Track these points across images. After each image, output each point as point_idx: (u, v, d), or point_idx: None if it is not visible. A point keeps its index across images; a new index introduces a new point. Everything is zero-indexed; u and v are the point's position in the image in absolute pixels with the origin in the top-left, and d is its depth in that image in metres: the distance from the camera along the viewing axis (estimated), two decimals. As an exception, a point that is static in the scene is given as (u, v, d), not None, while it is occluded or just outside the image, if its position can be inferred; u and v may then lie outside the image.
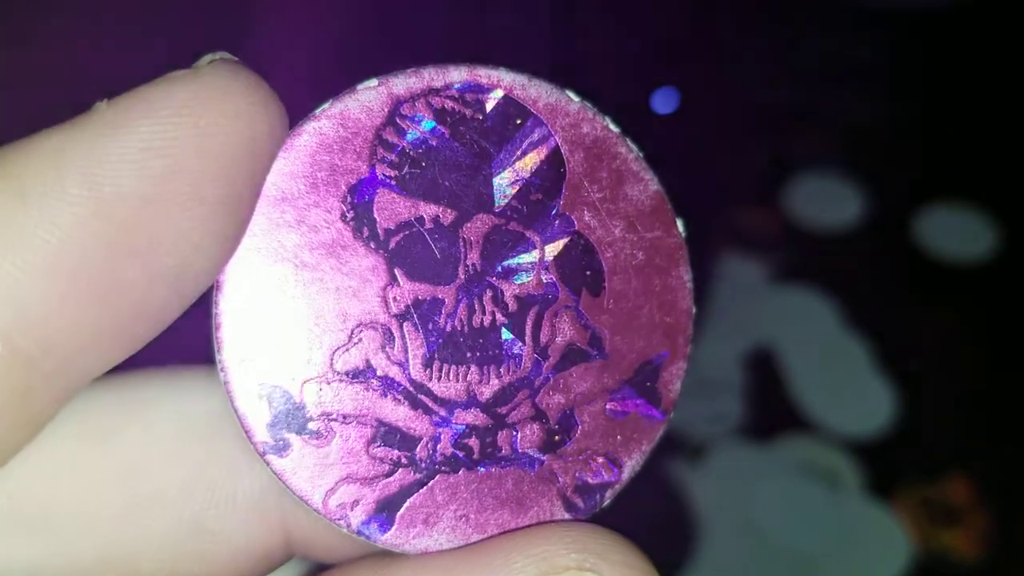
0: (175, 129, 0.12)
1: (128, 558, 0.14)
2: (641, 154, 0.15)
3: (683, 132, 0.64)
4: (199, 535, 0.14)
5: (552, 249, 0.15)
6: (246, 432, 0.14)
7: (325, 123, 0.14)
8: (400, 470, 0.14)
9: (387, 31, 0.57)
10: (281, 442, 0.14)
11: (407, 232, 0.14)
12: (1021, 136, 0.65)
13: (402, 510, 0.14)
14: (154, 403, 0.14)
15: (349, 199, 0.14)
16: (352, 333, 0.14)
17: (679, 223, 0.15)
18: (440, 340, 0.15)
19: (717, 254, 0.59)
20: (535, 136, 0.15)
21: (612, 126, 0.15)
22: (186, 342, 0.15)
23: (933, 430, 0.52)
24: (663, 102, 0.65)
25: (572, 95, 0.15)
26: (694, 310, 0.16)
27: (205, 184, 0.12)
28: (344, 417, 0.14)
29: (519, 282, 0.15)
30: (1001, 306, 0.57)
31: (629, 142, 0.15)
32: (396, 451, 0.14)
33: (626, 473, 0.15)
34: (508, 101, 0.15)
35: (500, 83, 0.15)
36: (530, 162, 0.15)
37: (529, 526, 0.15)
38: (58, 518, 0.14)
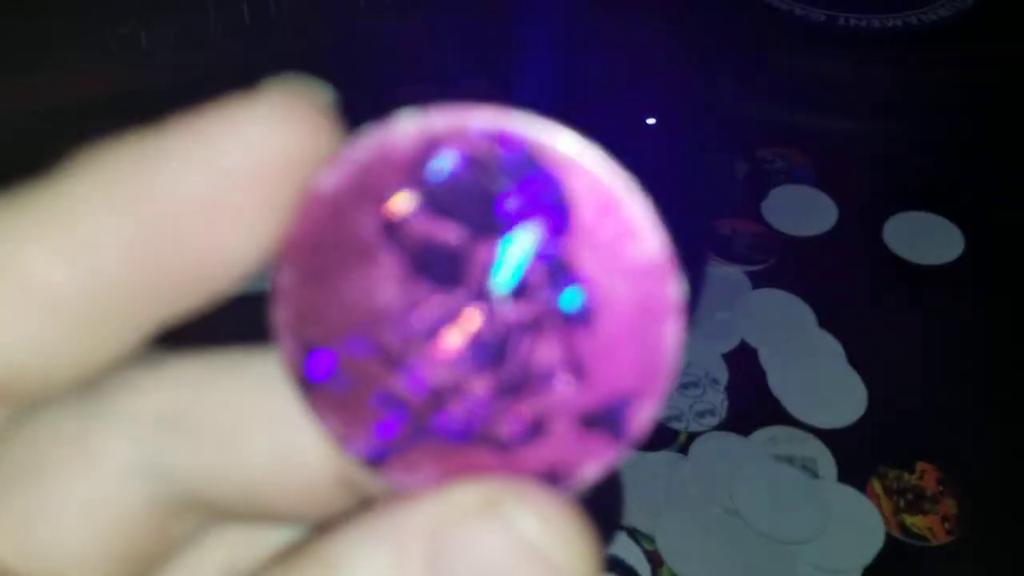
0: (226, 141, 0.15)
1: (234, 461, 0.18)
2: (651, 208, 0.16)
3: (664, 144, 0.66)
4: (281, 449, 0.18)
5: (551, 279, 0.16)
6: (288, 373, 0.17)
7: (372, 143, 0.16)
8: (398, 429, 0.17)
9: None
10: (311, 383, 0.17)
11: (429, 245, 0.16)
12: (981, 147, 0.67)
13: (392, 455, 0.17)
14: (251, 359, 0.18)
15: (385, 211, 0.16)
16: (374, 319, 0.17)
17: (678, 285, 0.16)
18: (437, 339, 0.17)
19: (703, 261, 0.60)
20: (549, 181, 0.16)
21: (628, 183, 0.16)
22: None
23: (904, 422, 0.53)
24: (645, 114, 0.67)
25: (593, 147, 0.16)
26: (675, 361, 0.16)
27: (249, 191, 0.15)
28: (359, 377, 0.17)
29: (514, 305, 0.17)
30: (965, 305, 0.59)
31: (641, 195, 0.16)
32: (396, 413, 0.17)
33: (581, 484, 0.17)
34: (530, 146, 0.16)
35: (525, 129, 0.16)
36: (541, 204, 0.16)
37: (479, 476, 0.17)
38: (192, 426, 0.17)
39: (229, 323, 0.19)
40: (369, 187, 0.16)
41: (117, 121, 0.15)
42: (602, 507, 0.48)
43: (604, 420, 0.16)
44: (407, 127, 0.16)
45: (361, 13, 0.63)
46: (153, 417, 0.17)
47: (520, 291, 0.16)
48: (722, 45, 0.73)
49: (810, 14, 0.71)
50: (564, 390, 0.16)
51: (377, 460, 0.17)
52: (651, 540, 0.49)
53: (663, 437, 0.53)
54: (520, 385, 0.16)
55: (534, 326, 0.16)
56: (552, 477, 0.16)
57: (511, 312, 0.16)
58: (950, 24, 0.71)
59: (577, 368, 0.16)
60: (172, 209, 0.14)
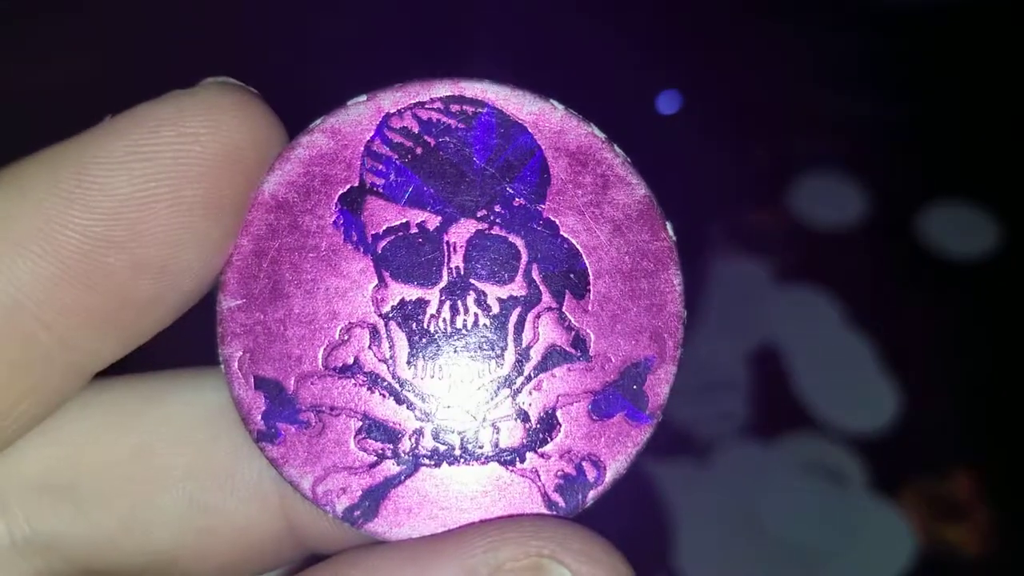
0: (158, 136, 0.14)
1: (142, 529, 0.16)
2: (628, 159, 0.15)
3: (687, 132, 0.65)
4: (204, 512, 0.16)
5: (535, 252, 0.15)
6: (243, 420, 0.15)
7: (318, 136, 0.15)
8: (384, 461, 0.15)
9: (378, 47, 0.58)
10: (273, 430, 0.15)
11: (393, 237, 0.15)
12: (1021, 133, 0.66)
13: (386, 500, 0.15)
14: (166, 396, 0.16)
15: (339, 206, 0.15)
16: (341, 332, 0.15)
17: (668, 227, 0.15)
18: (424, 339, 0.15)
19: (722, 254, 0.59)
20: (518, 143, 0.15)
21: (597, 132, 0.16)
22: (199, 347, 0.17)
23: (936, 427, 0.52)
24: (666, 103, 0.65)
25: (556, 104, 0.15)
26: (684, 314, 0.15)
27: (184, 187, 0.14)
28: (332, 409, 0.15)
29: (502, 284, 0.15)
30: (1004, 302, 0.58)
31: (616, 148, 0.15)
32: (381, 443, 0.15)
33: (609, 476, 0.16)
34: (491, 111, 0.15)
35: (483, 95, 0.15)
36: (513, 169, 0.15)
37: (501, 517, 0.15)
38: (82, 491, 0.15)
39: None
40: (321, 181, 0.15)
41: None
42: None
43: (618, 398, 0.15)
44: (357, 109, 0.15)
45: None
46: (29, 484, 0.15)
47: (505, 267, 0.15)
48: (746, 26, 0.71)
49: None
50: (570, 373, 0.15)
51: (369, 510, 0.15)
52: (669, 551, 0.48)
53: (681, 444, 0.51)
54: (520, 375, 0.15)
55: (526, 307, 0.15)
56: (575, 481, 0.15)
57: (499, 294, 0.15)
58: (988, 3, 0.69)
59: (581, 345, 0.15)
60: (108, 210, 0.14)
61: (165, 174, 0.14)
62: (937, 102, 0.68)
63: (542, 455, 0.15)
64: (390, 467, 0.15)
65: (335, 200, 0.15)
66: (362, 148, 0.15)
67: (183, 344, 0.17)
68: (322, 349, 0.15)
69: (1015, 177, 0.63)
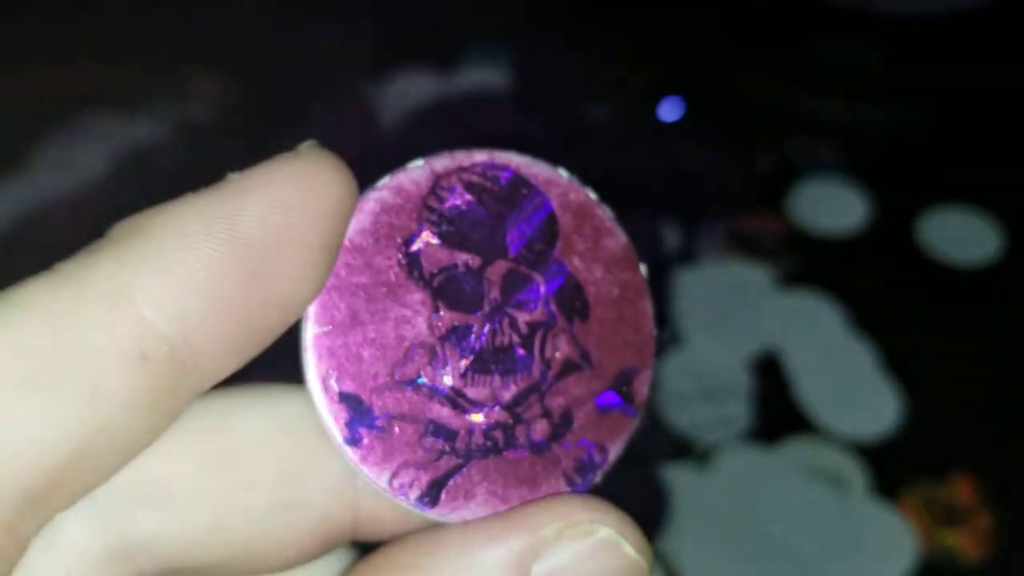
0: (288, 193, 0.16)
1: (231, 528, 0.17)
2: (612, 215, 0.20)
3: (688, 139, 0.65)
4: (288, 509, 0.18)
5: (551, 287, 0.19)
6: (328, 430, 0.18)
7: (385, 193, 0.19)
8: (444, 456, 0.18)
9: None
10: (356, 436, 0.18)
11: (446, 274, 0.19)
12: (1020, 140, 0.66)
13: (446, 488, 0.18)
14: (249, 408, 0.18)
15: (404, 249, 0.18)
16: (407, 352, 0.18)
17: (642, 267, 0.20)
18: (472, 356, 0.19)
19: (722, 260, 0.59)
20: (536, 202, 0.19)
21: (591, 194, 0.20)
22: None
23: (938, 432, 0.52)
24: (668, 111, 0.66)
25: (562, 171, 0.19)
26: (655, 332, 0.20)
27: (308, 235, 0.17)
28: (402, 416, 0.18)
29: (528, 312, 0.19)
30: (1005, 308, 0.58)
31: (604, 206, 0.20)
32: (441, 442, 0.18)
33: (611, 456, 0.19)
34: (517, 176, 0.19)
35: (510, 163, 0.19)
36: (533, 221, 0.19)
37: (546, 496, 0.18)
38: (174, 497, 0.17)
39: None
40: (388, 229, 0.18)
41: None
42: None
43: (614, 396, 0.19)
44: (415, 172, 0.19)
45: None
46: (124, 491, 0.17)
47: (531, 298, 0.19)
48: (747, 32, 0.71)
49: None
50: (580, 380, 0.19)
51: (435, 497, 0.18)
52: (670, 557, 0.48)
53: (682, 449, 0.51)
54: (545, 382, 0.19)
55: (547, 329, 0.19)
56: (586, 464, 0.19)
57: (526, 319, 0.19)
58: (986, 9, 0.69)
59: (587, 358, 0.19)
60: (249, 244, 0.16)
61: (298, 224, 0.16)
62: (938, 108, 0.68)
63: (562, 444, 0.19)
64: (449, 461, 0.18)
65: (399, 244, 0.18)
66: (420, 203, 0.19)
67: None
68: (392, 367, 0.18)
69: (1017, 184, 0.64)
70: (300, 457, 0.18)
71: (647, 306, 0.20)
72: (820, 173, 0.64)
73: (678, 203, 0.61)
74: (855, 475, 0.50)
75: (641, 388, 0.19)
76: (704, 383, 0.54)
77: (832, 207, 0.62)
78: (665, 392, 0.53)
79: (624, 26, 0.70)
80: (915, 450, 0.51)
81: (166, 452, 0.17)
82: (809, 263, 0.59)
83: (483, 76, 0.64)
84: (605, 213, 0.20)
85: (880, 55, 0.70)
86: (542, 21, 0.69)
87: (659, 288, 0.57)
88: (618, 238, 0.20)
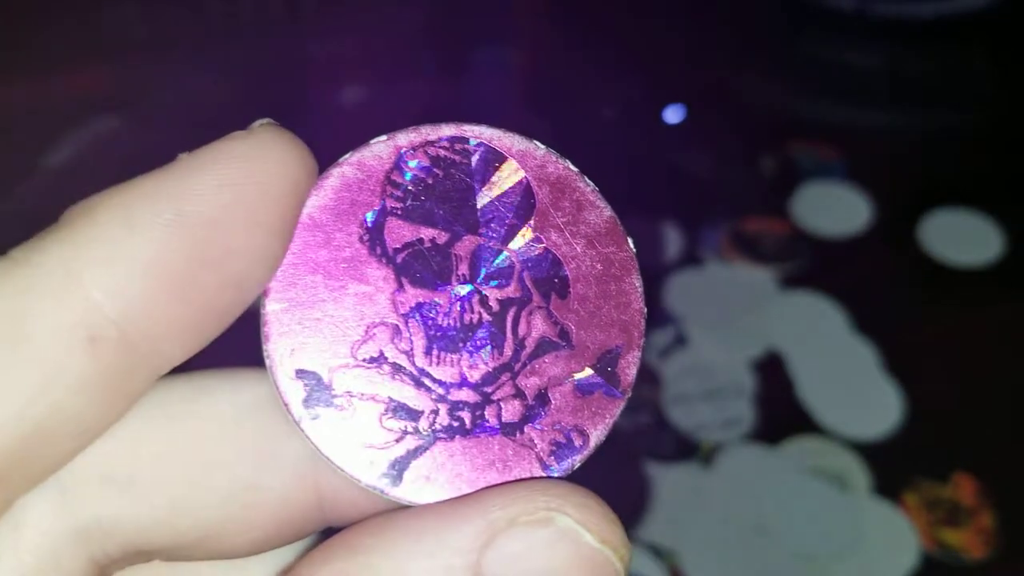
0: (238, 172, 0.16)
1: (193, 510, 0.17)
2: (596, 188, 0.19)
3: (692, 142, 0.65)
4: (249, 489, 0.18)
5: (526, 262, 0.18)
6: (286, 407, 0.18)
7: (347, 168, 0.18)
8: (407, 437, 0.18)
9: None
10: (313, 414, 0.18)
11: (410, 250, 0.18)
12: (1020, 141, 0.66)
13: (409, 469, 0.18)
14: (212, 391, 0.18)
15: (365, 225, 0.18)
16: (368, 330, 0.18)
17: (630, 241, 0.19)
18: (438, 334, 0.18)
19: (726, 261, 0.59)
20: (510, 175, 0.18)
21: (571, 166, 0.19)
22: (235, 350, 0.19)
23: (940, 431, 0.52)
24: (673, 113, 0.66)
25: (539, 144, 0.19)
26: (645, 310, 0.19)
27: (260, 212, 0.16)
28: (362, 395, 0.18)
29: (500, 288, 0.18)
30: (1007, 309, 0.58)
31: (586, 179, 0.19)
32: (404, 422, 0.18)
33: (592, 442, 0.18)
34: (488, 149, 0.18)
35: (481, 135, 0.18)
36: (507, 195, 0.18)
37: (511, 480, 0.18)
38: (139, 479, 0.17)
39: None
40: (349, 205, 0.18)
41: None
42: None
43: (597, 379, 0.18)
44: (379, 147, 0.18)
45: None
46: (90, 475, 0.17)
47: (503, 274, 0.18)
48: (749, 35, 0.71)
49: (841, 3, 0.69)
50: (557, 360, 0.18)
51: (395, 479, 0.18)
52: (674, 557, 0.48)
53: (686, 448, 0.52)
54: (517, 362, 0.18)
55: (520, 306, 0.18)
56: (564, 447, 0.18)
57: (498, 296, 0.18)
58: (987, 11, 0.69)
59: (565, 337, 0.18)
60: (198, 223, 0.16)
61: (244, 202, 0.16)
62: (940, 111, 0.68)
63: (538, 427, 0.18)
64: (412, 442, 0.18)
65: (361, 220, 0.18)
66: (383, 178, 0.18)
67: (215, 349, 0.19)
68: (352, 345, 0.18)
69: (1019, 185, 0.64)
70: (261, 439, 0.18)
71: (635, 283, 0.19)
72: (823, 175, 0.64)
73: (681, 205, 0.61)
74: (858, 475, 0.50)
75: (627, 369, 0.18)
76: (708, 384, 0.54)
77: (835, 209, 0.62)
78: (669, 393, 0.53)
79: (628, 28, 0.70)
80: (917, 450, 0.51)
81: (128, 434, 0.17)
82: (812, 265, 0.59)
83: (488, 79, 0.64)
84: (587, 186, 0.19)
85: (882, 58, 0.70)
86: (545, 23, 0.69)
87: (662, 289, 0.58)
88: (601, 211, 0.18)
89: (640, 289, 0.19)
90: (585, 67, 0.67)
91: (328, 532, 0.18)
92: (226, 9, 0.63)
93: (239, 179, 0.16)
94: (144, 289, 0.16)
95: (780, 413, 0.53)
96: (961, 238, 0.60)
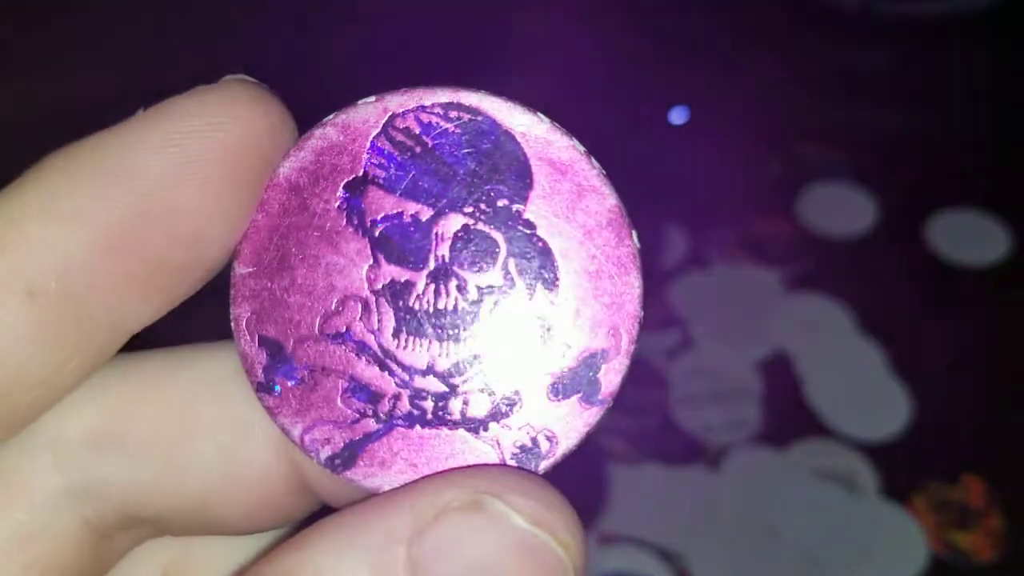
0: (186, 126, 0.16)
1: (177, 475, 0.18)
2: (603, 172, 0.17)
3: (698, 142, 0.65)
4: (228, 458, 0.18)
5: (513, 248, 0.17)
6: (246, 372, 0.17)
7: (330, 130, 0.17)
8: (365, 419, 0.17)
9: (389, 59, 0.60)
10: (271, 383, 0.17)
11: (389, 223, 0.17)
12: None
13: (363, 452, 0.17)
14: (197, 361, 0.18)
15: (344, 192, 0.17)
16: (337, 303, 0.17)
17: (634, 235, 0.17)
18: (408, 316, 0.17)
19: (733, 263, 0.59)
20: (506, 150, 0.17)
21: (578, 146, 0.17)
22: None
23: (948, 433, 0.52)
24: (678, 114, 0.66)
25: (543, 116, 0.17)
26: (641, 314, 0.17)
27: (209, 169, 0.16)
28: (323, 370, 0.17)
29: (481, 273, 0.17)
30: (1014, 309, 0.57)
31: (593, 161, 0.17)
32: (363, 403, 0.17)
33: (560, 450, 0.17)
34: (484, 119, 0.17)
35: (479, 104, 0.17)
36: (500, 172, 0.17)
37: (452, 468, 0.17)
38: (126, 443, 0.17)
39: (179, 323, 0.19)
40: (330, 169, 0.17)
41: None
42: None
43: (576, 383, 0.17)
44: (367, 108, 0.17)
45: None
46: (82, 437, 0.17)
47: (485, 259, 0.17)
48: (754, 36, 0.71)
49: (846, 3, 0.69)
50: (534, 357, 0.17)
51: (348, 460, 0.17)
52: (681, 560, 0.48)
53: (692, 451, 0.52)
54: (488, 356, 0.17)
55: (500, 294, 0.17)
56: (530, 451, 0.17)
57: (477, 282, 0.17)
58: (992, 10, 0.69)
59: (545, 333, 0.17)
60: (145, 178, 0.16)
61: (194, 158, 0.16)
62: (945, 111, 0.68)
63: (504, 426, 0.17)
64: (369, 424, 0.17)
65: (340, 187, 0.17)
66: (368, 143, 0.17)
67: (202, 329, 0.19)
68: (319, 317, 0.17)
69: (1024, 185, 0.63)
70: (241, 407, 0.18)
71: (634, 282, 0.17)
72: (829, 176, 0.64)
73: (688, 208, 0.61)
74: (865, 476, 0.50)
75: (610, 376, 0.17)
76: (715, 386, 0.54)
77: (841, 210, 0.62)
78: (676, 395, 0.53)
79: (632, 29, 0.70)
80: (925, 452, 0.51)
81: (117, 402, 0.18)
82: (818, 266, 0.59)
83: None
84: (592, 170, 0.17)
85: (888, 58, 0.70)
86: (548, 24, 0.69)
87: (667, 292, 0.58)
88: (605, 199, 0.17)
89: (638, 290, 0.17)
90: (588, 67, 0.67)
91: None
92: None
93: (189, 135, 0.16)
94: (82, 242, 0.16)
95: (787, 415, 0.53)
96: (967, 238, 0.60)
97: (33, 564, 0.17)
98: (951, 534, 0.48)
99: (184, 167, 0.16)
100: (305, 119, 0.17)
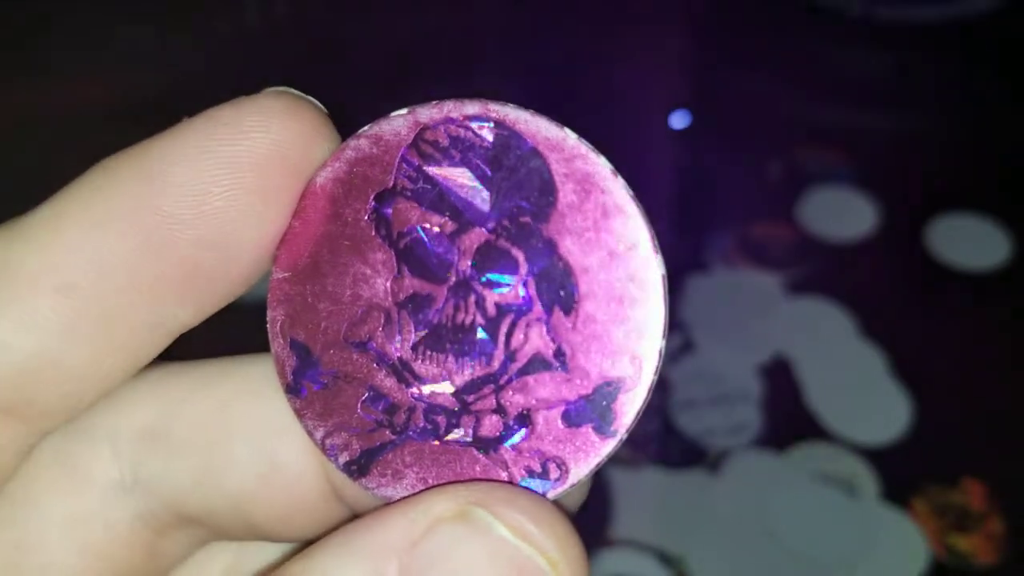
0: (220, 136, 0.16)
1: (217, 473, 0.18)
2: (631, 192, 0.16)
3: (698, 146, 0.65)
4: (264, 460, 0.18)
5: (533, 267, 0.17)
6: (278, 373, 0.18)
7: (363, 141, 0.17)
8: (381, 428, 0.17)
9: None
10: (299, 386, 0.17)
11: (414, 236, 0.17)
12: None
13: (377, 461, 0.17)
14: (242, 367, 0.19)
15: (374, 203, 0.17)
16: (362, 312, 0.17)
17: (660, 260, 0.16)
18: (427, 329, 0.17)
19: (733, 267, 0.59)
20: (531, 165, 0.16)
21: (605, 163, 0.16)
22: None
23: (948, 436, 0.52)
24: (679, 118, 0.66)
25: (570, 132, 0.16)
26: (664, 343, 0.16)
27: (242, 177, 0.16)
28: (346, 377, 0.17)
29: (500, 292, 0.17)
30: (1015, 313, 0.57)
31: (621, 180, 0.16)
32: (380, 413, 0.17)
33: (570, 479, 0.17)
34: (512, 133, 0.17)
35: (506, 117, 0.17)
36: (523, 188, 0.16)
37: (449, 482, 0.17)
38: (174, 439, 0.18)
39: (225, 333, 0.20)
40: (362, 180, 0.17)
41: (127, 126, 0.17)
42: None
43: (590, 411, 0.16)
44: (398, 120, 0.17)
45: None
46: (135, 432, 0.18)
47: (505, 276, 0.16)
48: (754, 40, 0.71)
49: (846, 6, 0.69)
50: (549, 381, 0.16)
51: (363, 467, 0.17)
52: (681, 564, 0.48)
53: (693, 454, 0.52)
54: (504, 375, 0.17)
55: (517, 314, 0.16)
56: (540, 474, 0.17)
57: (496, 299, 0.16)
58: (993, 14, 0.69)
59: (561, 357, 0.16)
60: (178, 195, 0.16)
61: (225, 166, 0.16)
62: (946, 115, 0.68)
63: (514, 449, 0.17)
64: (385, 434, 0.17)
65: (371, 198, 0.17)
66: (399, 155, 0.17)
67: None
68: (344, 324, 0.17)
69: (1025, 188, 0.63)
70: (278, 415, 0.18)
71: (656, 310, 0.16)
72: (829, 180, 0.64)
73: (688, 210, 0.61)
74: (866, 480, 0.50)
75: (625, 407, 0.16)
76: (715, 389, 0.54)
77: (841, 214, 0.62)
78: (677, 398, 0.53)
79: (633, 31, 0.70)
80: (925, 455, 0.51)
81: (168, 401, 0.18)
82: (819, 269, 0.59)
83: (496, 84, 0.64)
84: (620, 189, 0.16)
85: (888, 62, 0.70)
86: (550, 26, 0.70)
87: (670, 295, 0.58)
88: (631, 221, 0.16)
89: (662, 318, 0.16)
90: (589, 69, 0.67)
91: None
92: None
93: (222, 144, 0.16)
94: (115, 244, 0.16)
95: (788, 418, 0.53)
96: (968, 242, 0.60)
97: (87, 550, 0.18)
98: (952, 537, 0.48)
99: (215, 175, 0.16)
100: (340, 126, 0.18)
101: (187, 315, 0.17)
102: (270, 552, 0.20)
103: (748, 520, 0.49)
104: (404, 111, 0.17)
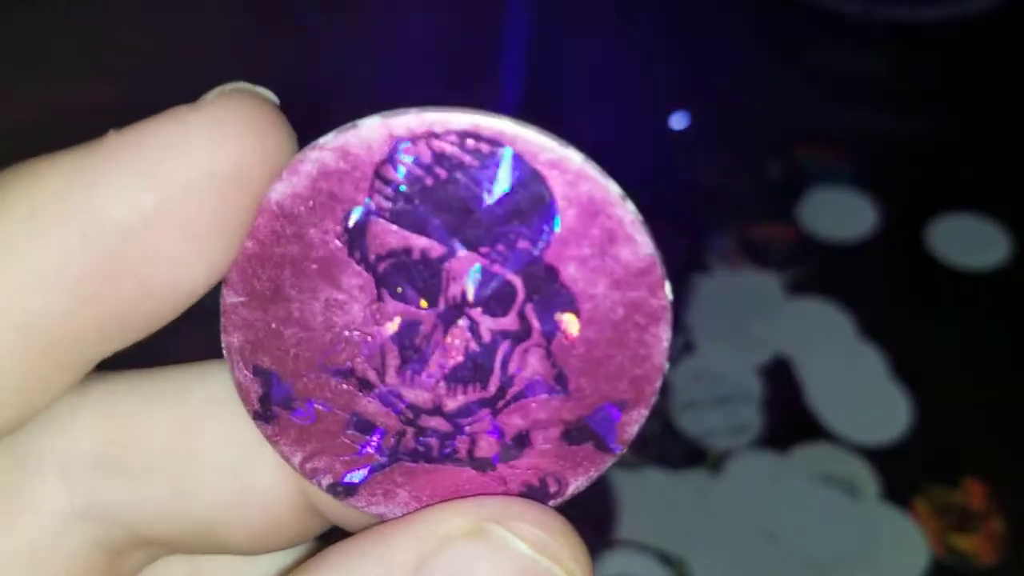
0: (163, 162, 0.14)
1: (185, 497, 0.17)
2: (640, 218, 0.15)
3: (698, 146, 0.65)
4: (235, 480, 0.17)
5: (531, 293, 0.15)
6: (242, 400, 0.16)
7: (327, 154, 0.15)
8: (367, 452, 0.16)
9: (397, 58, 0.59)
10: (269, 413, 0.16)
11: (395, 260, 0.15)
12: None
13: (366, 483, 0.16)
14: (200, 380, 0.17)
15: (345, 224, 0.15)
16: (336, 339, 0.16)
17: (667, 287, 0.15)
18: (415, 356, 0.16)
19: (733, 267, 0.59)
20: (530, 189, 0.15)
21: (613, 187, 0.15)
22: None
23: (949, 436, 0.52)
24: (678, 119, 0.66)
25: (575, 152, 0.15)
26: (666, 366, 0.16)
27: (191, 210, 0.14)
28: (324, 404, 0.16)
29: (495, 318, 0.15)
30: (1016, 313, 0.58)
31: (629, 204, 0.15)
32: (366, 438, 0.16)
33: (569, 491, 0.16)
34: (506, 151, 0.14)
35: (500, 133, 0.14)
36: (521, 213, 0.15)
37: (454, 499, 0.16)
38: (132, 464, 0.17)
39: (177, 335, 0.18)
40: (328, 197, 0.15)
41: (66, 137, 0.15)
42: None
43: (588, 430, 0.16)
44: (369, 131, 0.15)
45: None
46: (87, 458, 0.17)
47: (501, 302, 0.15)
48: (754, 40, 0.71)
49: (846, 6, 0.69)
50: (548, 404, 0.16)
51: (350, 489, 0.16)
52: (681, 565, 0.48)
53: (693, 456, 0.52)
54: (501, 400, 0.16)
55: (515, 338, 0.15)
56: (536, 491, 0.16)
57: (491, 326, 0.15)
58: (994, 14, 0.69)
59: (560, 379, 0.16)
60: (114, 229, 0.14)
61: (172, 200, 0.14)
62: (946, 115, 0.68)
63: (511, 466, 0.16)
64: (373, 458, 0.16)
65: (340, 218, 0.15)
66: (371, 171, 0.15)
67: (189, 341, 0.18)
68: (318, 352, 0.16)
69: (1025, 188, 0.63)
70: (247, 429, 0.17)
71: (661, 335, 0.15)
72: (829, 180, 0.64)
73: (689, 212, 0.61)
74: (867, 480, 0.50)
75: (627, 427, 0.16)
76: (716, 390, 0.54)
77: (842, 214, 0.62)
78: (678, 399, 0.53)
79: (634, 32, 0.70)
80: (926, 455, 0.51)
81: (121, 423, 0.17)
82: (819, 270, 0.59)
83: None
84: (627, 214, 0.15)
85: (888, 62, 0.70)
86: (551, 27, 0.70)
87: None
88: (639, 248, 0.15)
89: (666, 343, 0.15)
90: (590, 71, 0.67)
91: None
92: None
93: (167, 168, 0.14)
94: (50, 300, 0.14)
95: (788, 419, 0.53)
96: (968, 242, 0.60)
97: None
98: (952, 537, 0.48)
99: (161, 209, 0.14)
100: (306, 125, 0.16)
101: (116, 347, 0.15)
102: (230, 561, 0.19)
103: (749, 521, 0.49)
104: (376, 118, 0.15)
